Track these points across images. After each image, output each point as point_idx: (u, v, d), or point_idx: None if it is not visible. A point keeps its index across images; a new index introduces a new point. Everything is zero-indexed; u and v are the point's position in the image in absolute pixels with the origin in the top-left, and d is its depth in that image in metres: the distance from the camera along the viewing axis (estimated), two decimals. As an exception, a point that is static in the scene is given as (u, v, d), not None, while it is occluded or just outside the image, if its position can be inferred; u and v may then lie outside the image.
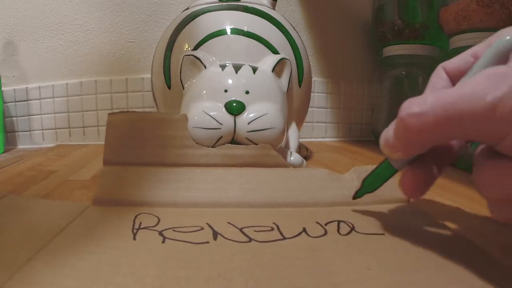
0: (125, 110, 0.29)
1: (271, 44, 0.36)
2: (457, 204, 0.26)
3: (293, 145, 0.37)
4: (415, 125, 0.15)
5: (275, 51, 0.36)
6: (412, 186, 0.18)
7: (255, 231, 0.20)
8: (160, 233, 0.20)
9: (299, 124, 0.42)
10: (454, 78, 0.18)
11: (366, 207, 0.24)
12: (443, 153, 0.19)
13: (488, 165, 0.15)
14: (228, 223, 0.21)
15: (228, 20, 0.37)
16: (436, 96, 0.14)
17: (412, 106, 0.15)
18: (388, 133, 0.17)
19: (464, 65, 0.18)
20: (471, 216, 0.24)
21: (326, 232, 0.20)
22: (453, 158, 0.19)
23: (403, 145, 0.17)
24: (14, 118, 0.63)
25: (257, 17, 0.38)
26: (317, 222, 0.21)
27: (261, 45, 0.36)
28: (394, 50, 0.57)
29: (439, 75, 0.19)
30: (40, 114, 0.63)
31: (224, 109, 0.30)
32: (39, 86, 0.63)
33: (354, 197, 0.22)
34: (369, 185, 0.21)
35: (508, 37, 0.15)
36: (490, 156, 0.15)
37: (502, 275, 0.16)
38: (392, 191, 0.25)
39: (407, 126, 0.15)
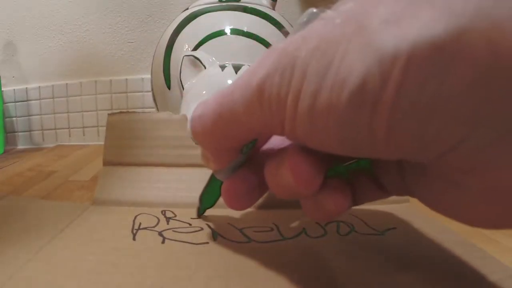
0: (125, 110, 0.29)
1: (271, 45, 0.36)
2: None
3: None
4: (198, 129, 0.13)
5: (275, 52, 0.36)
6: (229, 196, 0.16)
7: (254, 231, 0.20)
8: (160, 234, 0.20)
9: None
10: None
11: (366, 207, 0.24)
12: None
13: (268, 159, 0.14)
14: (228, 223, 0.21)
15: (228, 21, 0.37)
16: (218, 92, 0.13)
17: (197, 108, 0.14)
18: None
19: None
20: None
21: (325, 233, 0.20)
22: None
23: (209, 153, 0.15)
24: (14, 119, 0.63)
25: (257, 17, 0.38)
26: (317, 223, 0.21)
27: (261, 45, 0.36)
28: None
29: None
30: (40, 114, 0.63)
31: (224, 110, 0.30)
32: (39, 86, 0.63)
33: (198, 215, 0.22)
34: (206, 201, 0.21)
35: (313, 10, 0.13)
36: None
37: (501, 275, 0.16)
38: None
39: (193, 130, 0.14)
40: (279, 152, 0.13)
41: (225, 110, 0.12)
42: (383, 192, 0.15)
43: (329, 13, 0.10)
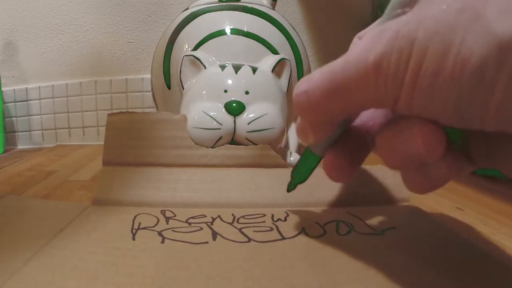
0: (125, 110, 0.29)
1: (271, 45, 0.36)
2: (457, 204, 0.26)
3: (293, 145, 0.37)
4: (304, 103, 0.14)
5: (275, 51, 0.36)
6: (333, 168, 0.17)
7: (254, 231, 0.20)
8: (160, 233, 0.20)
9: (299, 124, 0.41)
10: None
11: (366, 207, 0.24)
12: (362, 135, 0.18)
13: (383, 130, 0.14)
14: (228, 223, 0.21)
15: (228, 20, 0.37)
16: (324, 68, 0.14)
17: (301, 84, 0.14)
18: (298, 119, 0.17)
19: None
20: (471, 216, 0.24)
21: (325, 232, 0.20)
22: (372, 138, 0.17)
23: (309, 127, 0.16)
24: (14, 118, 0.63)
25: (257, 17, 0.38)
26: (316, 222, 0.21)
27: (261, 45, 0.36)
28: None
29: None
30: (40, 114, 0.63)
31: (224, 110, 0.30)
32: (39, 86, 0.63)
33: (288, 190, 0.22)
34: (298, 176, 0.21)
35: None
36: (388, 121, 0.15)
37: (502, 275, 0.16)
38: (392, 191, 0.25)
39: (299, 104, 0.15)
40: (393, 123, 0.14)
41: (337, 85, 0.13)
42: (470, 163, 0.15)
43: None
